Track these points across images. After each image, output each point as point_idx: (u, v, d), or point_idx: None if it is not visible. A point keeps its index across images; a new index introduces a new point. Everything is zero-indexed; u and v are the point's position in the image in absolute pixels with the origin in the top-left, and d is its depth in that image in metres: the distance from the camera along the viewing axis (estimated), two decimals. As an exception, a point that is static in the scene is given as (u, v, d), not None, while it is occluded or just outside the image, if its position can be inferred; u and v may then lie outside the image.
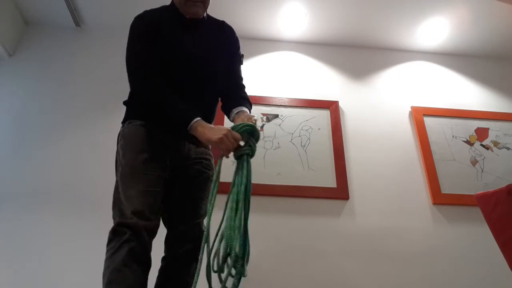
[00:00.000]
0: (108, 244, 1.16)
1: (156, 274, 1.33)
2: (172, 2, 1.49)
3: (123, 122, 1.43)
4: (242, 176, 1.18)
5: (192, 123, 1.23)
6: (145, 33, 1.39)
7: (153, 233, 1.21)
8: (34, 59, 2.58)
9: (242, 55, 1.61)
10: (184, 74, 1.40)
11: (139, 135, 1.33)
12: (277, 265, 1.98)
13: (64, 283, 1.85)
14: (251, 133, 1.25)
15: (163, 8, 1.50)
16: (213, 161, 1.51)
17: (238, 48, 1.60)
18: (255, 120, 1.33)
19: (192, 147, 1.43)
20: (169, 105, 1.27)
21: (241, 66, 1.60)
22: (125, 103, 1.47)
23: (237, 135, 1.23)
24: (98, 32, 2.71)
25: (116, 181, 1.29)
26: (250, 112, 1.45)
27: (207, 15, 1.55)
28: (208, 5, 1.47)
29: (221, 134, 1.19)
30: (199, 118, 1.24)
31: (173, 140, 1.36)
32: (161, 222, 1.33)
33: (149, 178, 1.25)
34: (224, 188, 2.24)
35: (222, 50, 1.52)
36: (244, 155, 1.22)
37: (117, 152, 1.36)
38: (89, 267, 1.84)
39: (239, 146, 1.24)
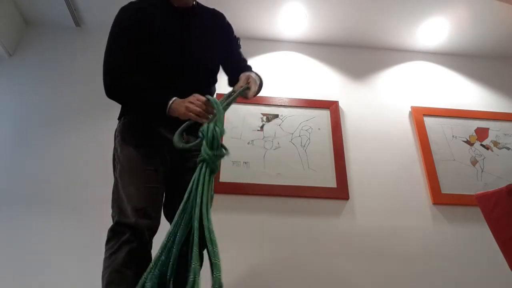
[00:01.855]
0: (107, 244, 1.14)
1: None
2: None
3: (119, 118, 1.41)
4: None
5: (170, 104, 1.20)
6: (126, 27, 1.34)
7: (153, 231, 1.19)
8: (34, 59, 2.58)
9: (238, 38, 1.59)
10: (177, 65, 1.37)
11: (136, 129, 1.30)
12: (277, 265, 1.98)
13: (64, 283, 1.85)
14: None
15: None
16: None
17: (232, 32, 1.58)
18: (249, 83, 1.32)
19: (191, 139, 1.38)
20: (144, 94, 1.25)
21: (240, 49, 1.59)
22: (107, 94, 1.42)
23: (201, 97, 1.20)
24: (98, 32, 2.71)
25: (115, 178, 1.26)
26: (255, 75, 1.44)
27: (197, 3, 1.51)
28: None
29: (185, 103, 1.18)
30: (175, 98, 1.22)
31: (170, 131, 1.31)
32: (162, 216, 1.31)
33: (149, 174, 1.22)
34: (223, 189, 2.21)
35: (215, 38, 1.49)
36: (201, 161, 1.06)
37: (115, 148, 1.34)
38: (89, 268, 1.85)
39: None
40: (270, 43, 2.84)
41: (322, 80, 2.72)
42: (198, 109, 1.18)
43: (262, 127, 2.42)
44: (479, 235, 2.12)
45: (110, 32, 1.36)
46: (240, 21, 2.64)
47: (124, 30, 1.34)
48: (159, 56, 1.35)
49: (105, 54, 1.33)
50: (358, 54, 2.88)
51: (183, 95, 1.29)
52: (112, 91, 1.29)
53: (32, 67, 2.55)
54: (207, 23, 1.49)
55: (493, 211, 1.29)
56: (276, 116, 2.48)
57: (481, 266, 2.06)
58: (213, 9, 1.57)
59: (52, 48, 2.64)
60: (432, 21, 2.67)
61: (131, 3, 1.41)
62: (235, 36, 1.58)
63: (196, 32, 1.43)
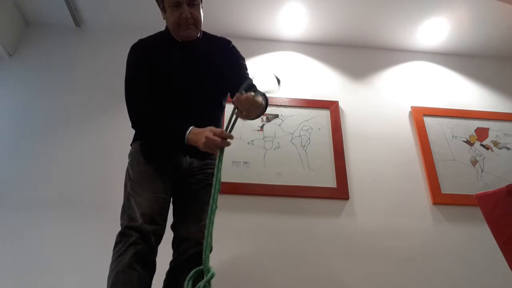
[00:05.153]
0: (114, 247, 1.18)
1: (162, 278, 1.33)
2: (166, 27, 1.53)
3: (131, 144, 1.49)
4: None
5: (187, 135, 1.26)
6: (138, 62, 1.45)
7: (159, 238, 1.24)
8: (34, 59, 2.58)
9: (243, 59, 1.59)
10: (184, 94, 1.45)
11: (143, 150, 1.40)
12: (277, 265, 1.98)
13: (65, 284, 1.85)
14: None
15: (158, 34, 1.54)
16: None
17: (237, 56, 1.58)
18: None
19: (195, 161, 1.46)
20: (162, 126, 1.34)
21: (247, 71, 1.58)
22: (132, 126, 1.52)
23: (218, 130, 1.25)
24: (98, 32, 2.71)
25: (125, 195, 1.32)
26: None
27: (203, 32, 1.57)
28: (200, 25, 1.49)
29: (204, 135, 1.22)
30: (191, 128, 1.28)
31: (174, 154, 1.42)
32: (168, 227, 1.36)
33: (157, 185, 1.30)
34: (223, 189, 2.20)
35: (221, 66, 1.52)
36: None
37: (127, 170, 1.41)
38: (90, 269, 1.85)
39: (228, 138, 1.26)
40: (270, 43, 2.84)
41: (322, 80, 2.72)
42: (218, 143, 1.23)
43: (262, 127, 2.43)
44: (479, 235, 2.12)
45: (126, 68, 1.46)
46: (240, 22, 2.64)
47: (137, 63, 1.45)
48: (167, 87, 1.43)
49: (125, 87, 1.43)
50: (358, 54, 2.88)
51: (194, 122, 1.34)
52: (137, 125, 1.41)
53: (32, 67, 2.54)
54: (211, 51, 1.54)
55: (493, 211, 1.29)
56: (276, 116, 2.48)
57: (481, 266, 2.05)
58: (220, 37, 1.61)
59: (52, 48, 2.64)
60: (432, 21, 2.67)
61: (140, 40, 1.52)
62: (241, 59, 1.59)
63: (200, 63, 1.50)
